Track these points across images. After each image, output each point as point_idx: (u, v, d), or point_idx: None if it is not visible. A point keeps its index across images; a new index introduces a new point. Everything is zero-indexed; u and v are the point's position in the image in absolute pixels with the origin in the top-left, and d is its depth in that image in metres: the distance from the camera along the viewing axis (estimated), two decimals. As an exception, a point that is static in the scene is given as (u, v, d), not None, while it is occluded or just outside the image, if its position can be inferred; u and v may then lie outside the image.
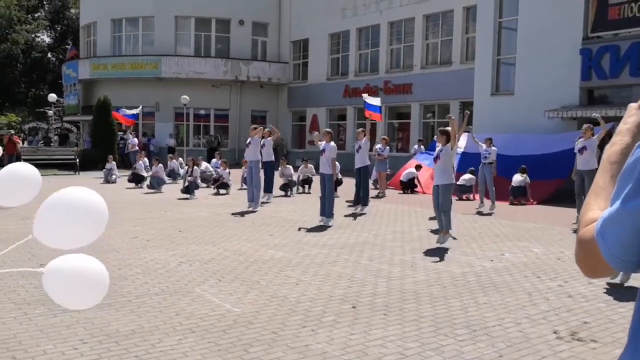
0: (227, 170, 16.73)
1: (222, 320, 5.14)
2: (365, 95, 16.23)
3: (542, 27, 17.52)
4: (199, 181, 16.29)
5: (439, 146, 9.04)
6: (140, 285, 6.26)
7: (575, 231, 10.39)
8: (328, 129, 11.60)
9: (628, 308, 5.74)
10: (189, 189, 15.22)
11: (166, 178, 18.15)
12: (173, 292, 6.04)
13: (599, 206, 1.22)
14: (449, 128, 8.96)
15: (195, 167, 16.08)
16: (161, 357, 4.29)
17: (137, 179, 18.32)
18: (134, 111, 23.24)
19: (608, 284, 6.53)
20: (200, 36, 30.81)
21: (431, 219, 11.80)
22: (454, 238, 9.33)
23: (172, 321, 5.10)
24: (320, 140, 11.36)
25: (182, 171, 18.64)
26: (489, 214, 12.65)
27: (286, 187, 16.22)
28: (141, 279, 6.55)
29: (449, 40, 23.63)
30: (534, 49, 17.74)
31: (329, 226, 10.57)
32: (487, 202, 13.17)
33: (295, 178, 16.90)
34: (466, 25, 22.87)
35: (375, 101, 15.78)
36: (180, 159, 20.78)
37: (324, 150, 11.07)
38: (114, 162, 20.35)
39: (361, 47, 27.79)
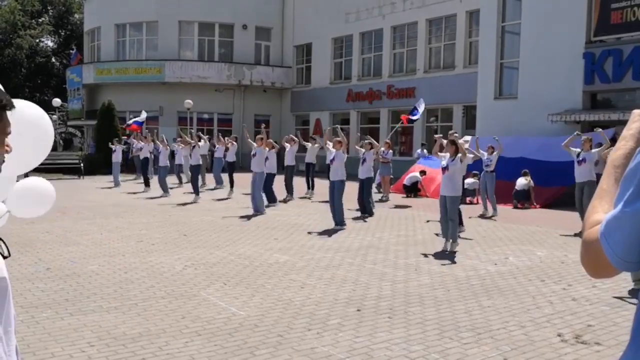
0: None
1: (228, 324, 5.18)
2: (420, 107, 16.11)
3: (545, 31, 17.56)
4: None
5: (446, 156, 8.95)
6: (147, 289, 6.30)
7: (577, 234, 10.42)
8: (339, 138, 11.59)
9: (632, 311, 5.75)
10: (195, 180, 15.27)
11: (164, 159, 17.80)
12: (179, 295, 6.08)
13: (603, 209, 1.25)
14: (456, 137, 9.06)
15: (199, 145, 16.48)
16: (168, 360, 4.33)
17: (144, 166, 18.48)
18: (139, 118, 23.05)
19: (632, 290, 6.52)
20: (203, 41, 30.91)
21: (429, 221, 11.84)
22: (470, 239, 9.41)
23: (178, 324, 5.14)
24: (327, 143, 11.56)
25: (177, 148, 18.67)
26: (491, 218, 12.66)
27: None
28: (147, 282, 6.59)
29: (452, 45, 23.68)
30: (537, 53, 17.78)
31: (343, 229, 10.68)
32: (490, 209, 13.20)
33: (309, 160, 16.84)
34: (469, 29, 22.92)
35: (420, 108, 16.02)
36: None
37: (333, 158, 11.15)
38: (118, 146, 20.48)
39: (364, 52, 27.84)
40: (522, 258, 8.28)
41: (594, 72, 16.71)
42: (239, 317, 5.36)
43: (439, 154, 9.23)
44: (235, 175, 17.32)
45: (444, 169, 8.87)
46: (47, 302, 5.77)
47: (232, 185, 16.90)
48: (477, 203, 14.85)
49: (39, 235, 9.62)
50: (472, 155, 11.66)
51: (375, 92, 26.51)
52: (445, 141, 9.38)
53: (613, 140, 15.41)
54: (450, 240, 8.73)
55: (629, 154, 1.31)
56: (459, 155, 8.76)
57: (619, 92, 16.86)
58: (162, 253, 8.30)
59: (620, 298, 6.22)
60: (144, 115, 22.35)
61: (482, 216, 12.79)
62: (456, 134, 9.63)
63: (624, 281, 6.89)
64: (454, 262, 7.96)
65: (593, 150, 10.46)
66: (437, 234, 10.13)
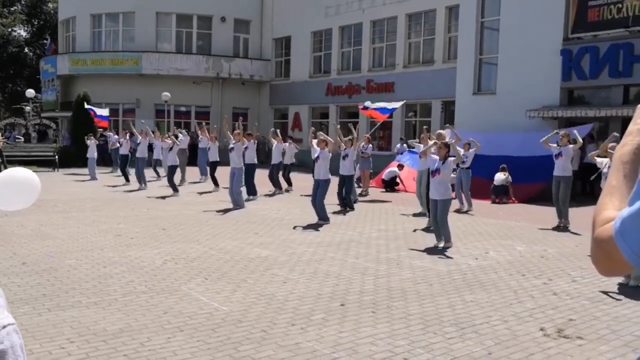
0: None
1: (211, 319, 5.11)
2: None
3: (523, 28, 17.70)
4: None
5: (437, 159, 8.80)
6: (126, 284, 6.19)
7: (554, 229, 10.52)
8: (323, 138, 11.45)
9: (611, 305, 5.84)
10: (172, 175, 15.10)
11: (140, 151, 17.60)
12: (160, 290, 5.99)
13: (613, 205, 1.23)
14: (448, 141, 9.08)
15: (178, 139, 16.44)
16: (150, 356, 4.26)
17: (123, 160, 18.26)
18: (104, 112, 22.85)
19: (619, 283, 6.60)
20: (181, 33, 30.54)
21: (415, 215, 11.89)
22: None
23: (160, 320, 5.06)
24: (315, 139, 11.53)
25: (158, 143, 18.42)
26: (467, 212, 12.72)
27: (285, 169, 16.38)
28: (127, 277, 6.48)
29: (431, 40, 23.74)
30: (516, 49, 17.91)
31: (326, 223, 10.65)
32: (465, 203, 13.23)
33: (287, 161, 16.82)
34: (448, 24, 22.99)
35: (393, 104, 16.07)
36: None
37: (318, 157, 11.10)
38: (94, 141, 20.22)
39: (344, 46, 27.78)
40: (503, 253, 8.34)
41: (571, 68, 16.90)
42: (222, 313, 5.30)
43: (428, 153, 9.24)
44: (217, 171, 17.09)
45: (434, 172, 8.77)
46: (24, 297, 5.64)
47: (216, 184, 16.48)
48: (454, 198, 14.90)
49: (13, 228, 9.42)
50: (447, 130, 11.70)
51: (355, 87, 26.49)
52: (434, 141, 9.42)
53: (591, 137, 15.74)
54: (444, 241, 8.72)
55: (637, 149, 1.29)
56: (452, 158, 8.70)
57: (595, 89, 17.08)
58: (141, 247, 8.18)
59: (605, 293, 6.30)
60: (105, 111, 22.43)
61: (458, 211, 12.80)
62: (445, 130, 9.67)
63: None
64: (436, 257, 7.98)
65: (569, 145, 10.64)
66: (415, 230, 10.18)
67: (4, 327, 0.98)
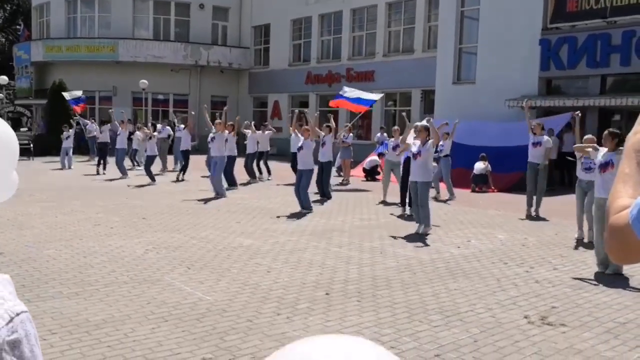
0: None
1: (195, 309, 5.06)
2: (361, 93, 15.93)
3: (503, 17, 17.78)
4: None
5: (417, 142, 8.94)
6: (108, 274, 6.10)
7: (525, 218, 10.58)
8: (307, 127, 11.38)
9: (592, 293, 5.91)
10: (148, 165, 14.87)
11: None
12: (142, 280, 5.91)
13: (627, 193, 1.21)
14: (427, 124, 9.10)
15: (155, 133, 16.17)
16: (135, 347, 4.20)
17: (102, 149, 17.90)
18: (76, 94, 22.22)
19: (597, 273, 6.66)
20: (159, 19, 30.09)
21: (380, 203, 11.91)
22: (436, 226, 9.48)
23: (143, 310, 4.99)
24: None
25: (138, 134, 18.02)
26: (447, 201, 12.78)
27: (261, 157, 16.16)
28: (108, 267, 6.38)
29: (411, 28, 23.72)
30: (495, 39, 18.00)
31: (310, 212, 10.62)
32: (444, 192, 13.27)
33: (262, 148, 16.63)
34: (428, 13, 22.99)
35: (371, 96, 15.80)
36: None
37: (302, 147, 11.04)
38: (71, 131, 19.67)
39: (323, 34, 27.64)
40: (484, 241, 8.39)
41: (550, 58, 17.05)
42: (206, 302, 5.24)
43: (407, 142, 9.30)
44: (192, 158, 16.84)
45: (415, 155, 8.83)
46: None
47: (184, 171, 16.20)
48: (432, 187, 14.96)
49: (-11, 218, 9.22)
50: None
51: (335, 75, 26.41)
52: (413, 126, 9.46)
53: (568, 126, 15.90)
54: (423, 225, 8.77)
55: (650, 137, 1.27)
56: (431, 140, 8.77)
57: (573, 79, 17.26)
58: (121, 237, 8.06)
59: (582, 280, 6.38)
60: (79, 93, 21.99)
61: (435, 199, 12.79)
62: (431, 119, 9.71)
63: (583, 264, 7.08)
64: (418, 245, 8.00)
65: (545, 138, 10.64)
66: (398, 215, 10.20)
67: (18, 314, 0.92)
